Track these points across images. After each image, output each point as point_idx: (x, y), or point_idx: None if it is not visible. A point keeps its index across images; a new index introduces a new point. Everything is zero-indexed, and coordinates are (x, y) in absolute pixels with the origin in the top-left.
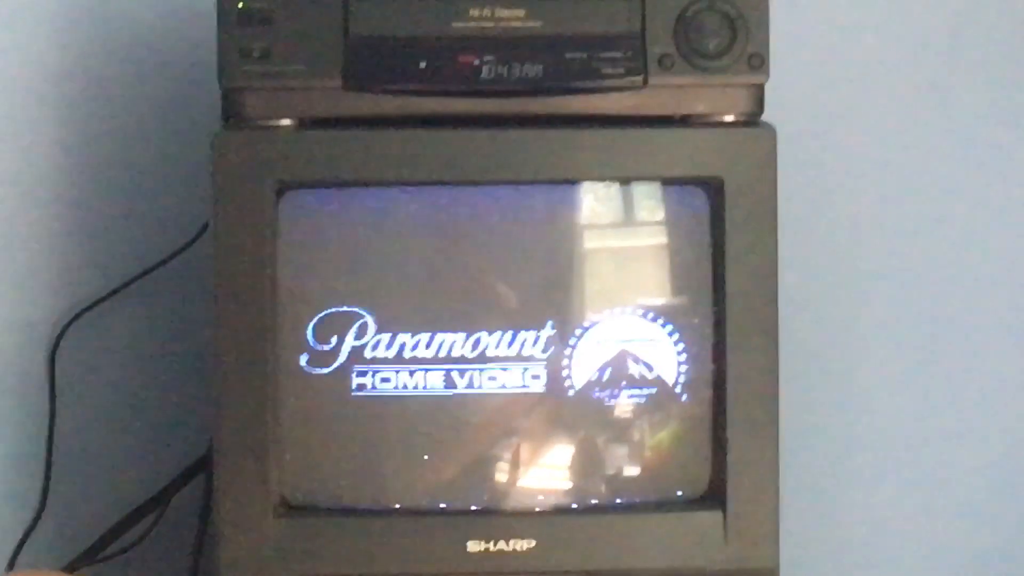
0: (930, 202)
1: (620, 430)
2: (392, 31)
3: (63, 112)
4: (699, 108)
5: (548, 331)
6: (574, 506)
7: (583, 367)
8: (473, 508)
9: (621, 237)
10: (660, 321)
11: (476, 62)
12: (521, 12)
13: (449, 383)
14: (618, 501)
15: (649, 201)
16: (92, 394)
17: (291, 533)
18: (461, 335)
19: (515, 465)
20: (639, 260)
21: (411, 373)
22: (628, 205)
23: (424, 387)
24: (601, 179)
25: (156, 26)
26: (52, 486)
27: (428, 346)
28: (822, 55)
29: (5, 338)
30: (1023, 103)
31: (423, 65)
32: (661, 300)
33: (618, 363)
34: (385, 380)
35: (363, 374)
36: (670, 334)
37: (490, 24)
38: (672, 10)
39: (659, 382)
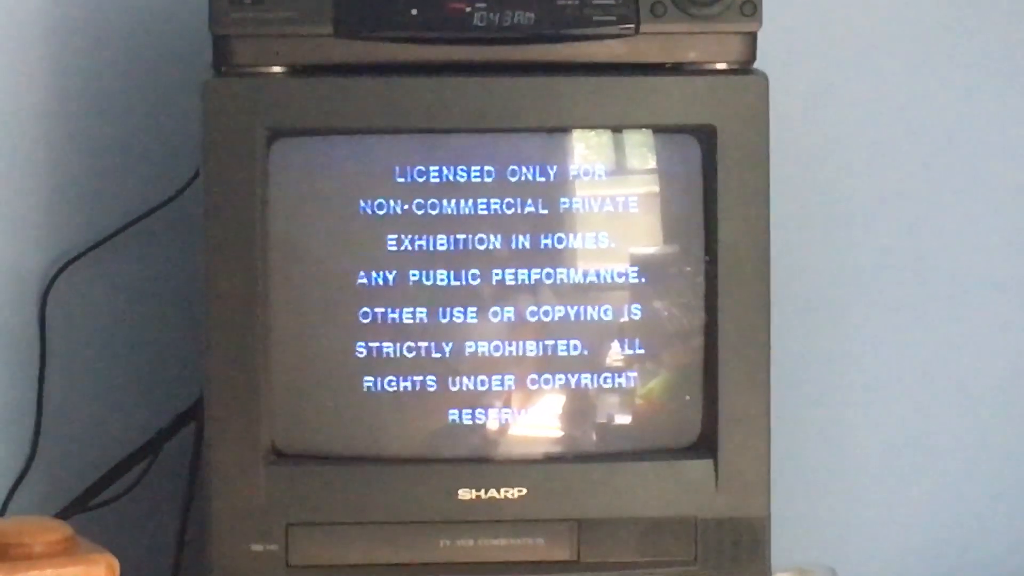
0: (923, 148)
1: (612, 379)
2: None
3: (53, 61)
4: (691, 56)
5: (540, 279)
6: (565, 454)
7: (575, 315)
8: (464, 456)
9: (613, 185)
10: (652, 269)
11: (467, 9)
12: None
13: (441, 331)
14: (609, 450)
15: (641, 149)
16: (82, 342)
17: (282, 481)
18: (454, 284)
19: (506, 414)
20: (631, 208)
21: (402, 320)
22: (620, 153)
23: (416, 335)
24: (593, 127)
25: None
26: (43, 434)
27: (420, 294)
28: (814, 2)
29: None
30: (1016, 47)
31: (414, 12)
32: (653, 248)
33: (610, 311)
34: (377, 328)
35: (355, 322)
36: (662, 282)
37: None
38: None
39: (651, 330)
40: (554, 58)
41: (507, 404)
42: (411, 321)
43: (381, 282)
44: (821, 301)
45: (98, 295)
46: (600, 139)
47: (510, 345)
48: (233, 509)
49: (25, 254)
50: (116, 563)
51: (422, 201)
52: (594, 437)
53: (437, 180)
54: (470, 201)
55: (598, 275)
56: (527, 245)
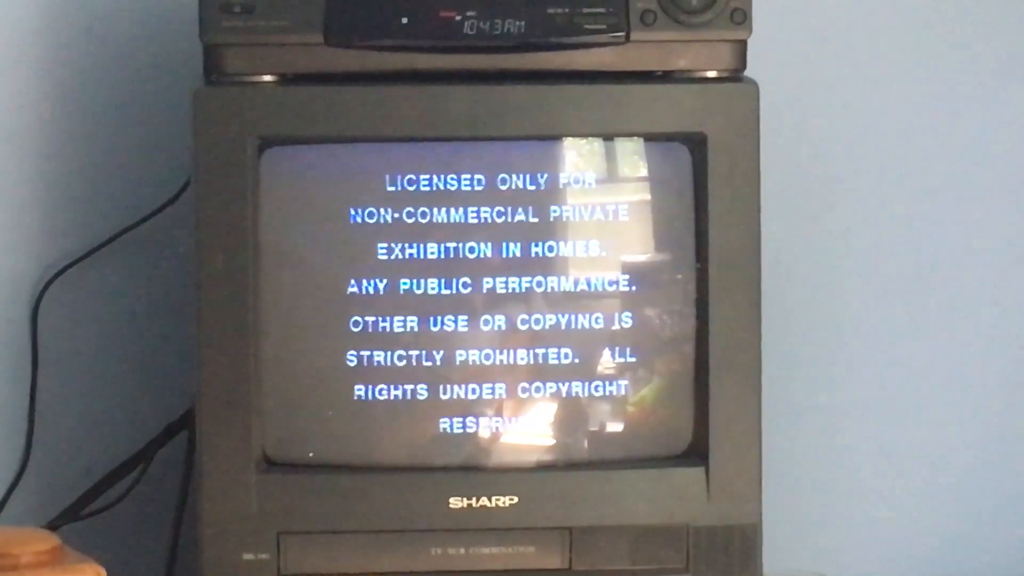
0: (914, 154)
1: (603, 387)
2: None
3: (45, 70)
4: (681, 64)
5: (531, 288)
6: (556, 462)
7: (566, 323)
8: (456, 465)
9: (604, 193)
10: (643, 277)
11: (458, 17)
12: None
13: (432, 339)
14: (601, 457)
15: (632, 157)
16: (75, 350)
17: (273, 489)
18: (445, 292)
19: (498, 422)
20: (622, 216)
21: (393, 329)
22: (611, 161)
23: (406, 343)
24: (584, 135)
25: None
26: (34, 443)
27: (411, 302)
28: (804, 10)
29: None
30: (1004, 55)
31: (404, 20)
32: (644, 256)
33: (601, 319)
34: (368, 336)
35: (346, 331)
36: (653, 290)
37: None
38: None
39: (642, 338)
40: (544, 66)
41: (498, 412)
42: (402, 330)
43: (372, 291)
44: (812, 308)
45: (90, 303)
46: (591, 147)
47: (501, 353)
48: (224, 518)
49: (17, 263)
50: (103, 572)
51: (412, 209)
52: (585, 445)
53: (428, 188)
54: (460, 209)
55: (589, 283)
56: (518, 253)
